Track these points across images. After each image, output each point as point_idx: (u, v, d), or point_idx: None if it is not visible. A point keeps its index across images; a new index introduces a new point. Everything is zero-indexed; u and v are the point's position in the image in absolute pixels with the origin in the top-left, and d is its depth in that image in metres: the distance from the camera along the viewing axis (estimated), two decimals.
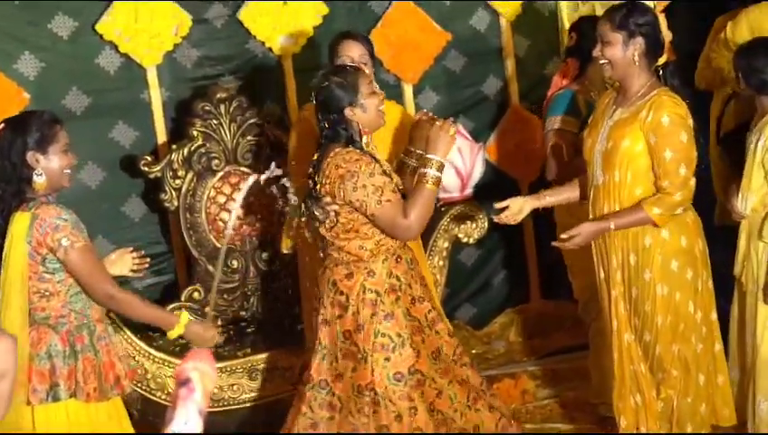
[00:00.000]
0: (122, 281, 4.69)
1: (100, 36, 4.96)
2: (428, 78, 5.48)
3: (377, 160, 3.61)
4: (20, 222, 3.34)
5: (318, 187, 3.57)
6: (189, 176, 4.93)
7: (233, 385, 4.59)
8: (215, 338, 3.57)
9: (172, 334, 3.47)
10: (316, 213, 3.59)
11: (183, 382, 2.01)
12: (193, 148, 4.92)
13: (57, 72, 4.92)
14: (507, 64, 5.64)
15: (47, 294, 3.38)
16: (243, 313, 5.04)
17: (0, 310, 3.34)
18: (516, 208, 3.91)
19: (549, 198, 4.02)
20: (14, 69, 4.83)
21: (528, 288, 5.77)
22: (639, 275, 3.80)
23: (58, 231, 3.32)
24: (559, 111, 4.51)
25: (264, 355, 4.68)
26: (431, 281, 4.34)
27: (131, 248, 3.87)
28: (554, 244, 3.88)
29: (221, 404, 4.56)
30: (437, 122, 3.63)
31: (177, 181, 4.91)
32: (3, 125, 3.43)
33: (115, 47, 4.99)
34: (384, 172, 3.58)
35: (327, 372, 3.63)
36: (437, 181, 3.57)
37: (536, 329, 5.63)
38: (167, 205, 4.94)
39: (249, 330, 4.98)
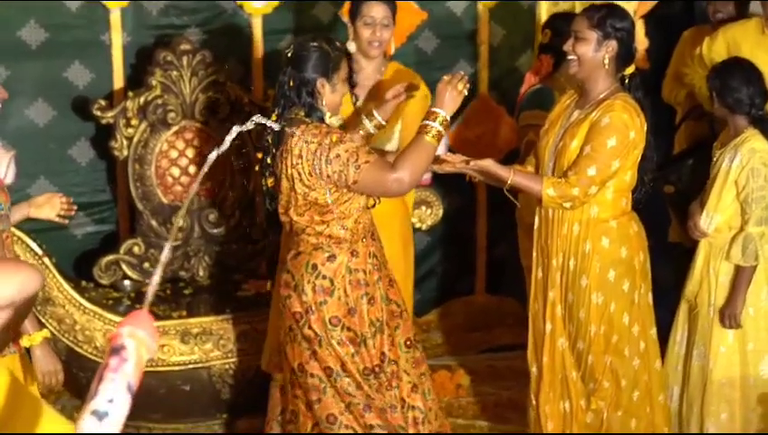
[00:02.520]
0: (59, 226, 4.56)
1: None
2: (399, 55, 5.31)
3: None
4: None
5: (285, 166, 3.39)
6: (143, 126, 4.77)
7: (163, 346, 4.45)
8: (57, 374, 3.32)
9: (22, 341, 3.28)
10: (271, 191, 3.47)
11: (115, 350, 1.70)
12: (150, 98, 4.76)
13: (16, 1, 4.72)
14: (480, 51, 5.54)
15: None
16: (182, 273, 4.89)
17: None
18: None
19: (491, 166, 3.70)
20: None
21: (474, 281, 5.70)
22: (577, 280, 3.75)
23: None
24: (535, 107, 4.43)
25: (199, 319, 4.54)
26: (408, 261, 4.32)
27: (61, 194, 3.72)
28: (435, 167, 3.70)
29: (149, 364, 4.39)
30: (446, 76, 3.48)
31: (130, 130, 4.76)
32: None
33: None
34: (353, 138, 3.45)
35: (335, 358, 3.47)
36: (439, 136, 3.40)
37: (478, 323, 5.56)
38: (116, 153, 4.79)
39: (186, 292, 4.83)
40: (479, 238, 5.68)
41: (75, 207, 3.77)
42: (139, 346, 1.70)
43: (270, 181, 3.49)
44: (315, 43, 3.47)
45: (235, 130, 2.21)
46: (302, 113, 3.44)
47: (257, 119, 2.57)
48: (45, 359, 3.30)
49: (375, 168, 3.34)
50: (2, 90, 3.32)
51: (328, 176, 3.34)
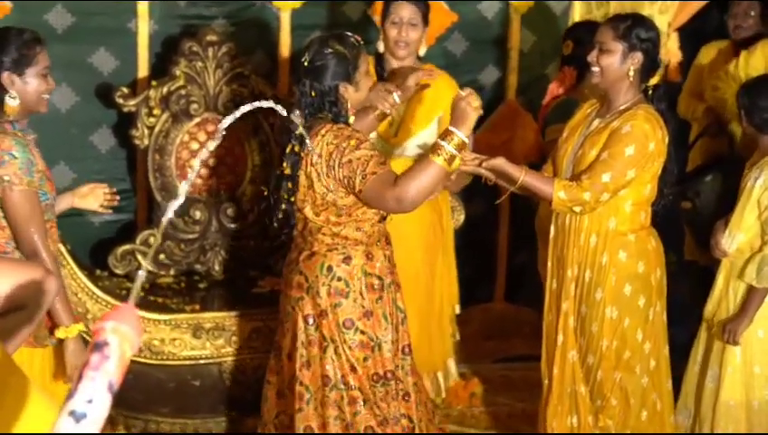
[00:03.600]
0: (77, 213, 4.53)
1: None
2: (427, 57, 5.28)
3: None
4: None
5: (305, 163, 3.33)
6: (165, 116, 4.73)
7: (175, 340, 4.41)
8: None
9: (58, 333, 3.25)
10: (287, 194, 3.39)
11: (97, 347, 1.63)
12: (173, 88, 4.71)
13: None
14: (510, 56, 5.47)
15: None
16: (198, 266, 4.84)
17: None
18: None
19: (503, 164, 3.59)
20: None
21: (493, 288, 5.63)
22: (591, 293, 3.69)
23: (3, 166, 3.13)
24: (561, 120, 4.36)
25: (212, 314, 4.49)
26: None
27: (105, 185, 3.74)
28: (464, 169, 3.57)
29: (159, 358, 4.38)
30: (462, 92, 3.27)
31: (152, 120, 4.72)
32: None
33: None
34: (374, 147, 3.36)
35: (339, 367, 3.41)
36: (451, 159, 3.18)
37: (494, 331, 5.50)
38: (137, 142, 4.75)
39: (201, 286, 4.79)
40: (500, 246, 5.61)
41: (118, 198, 3.81)
42: (122, 342, 1.63)
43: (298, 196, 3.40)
44: (330, 49, 3.37)
45: (243, 109, 2.12)
46: (330, 117, 3.37)
47: (263, 103, 2.43)
48: (77, 353, 3.27)
49: (379, 181, 3.21)
50: (51, 80, 3.32)
51: (339, 180, 3.28)
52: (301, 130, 3.21)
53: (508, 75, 5.50)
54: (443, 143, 3.20)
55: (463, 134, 3.21)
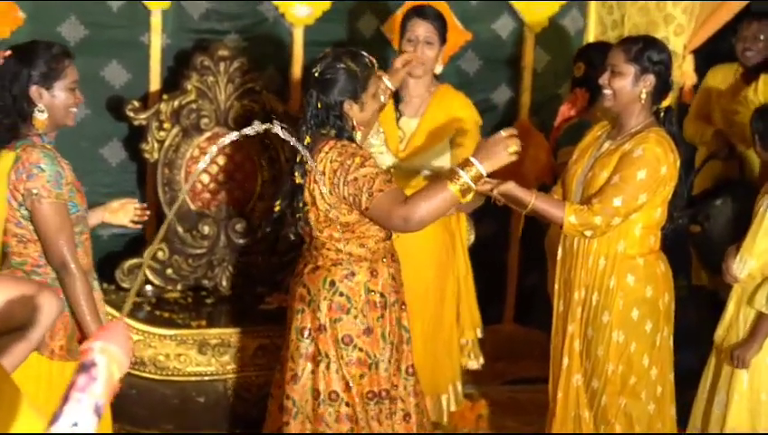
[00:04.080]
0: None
1: None
2: (441, 76, 5.28)
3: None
4: (4, 160, 3.17)
5: (308, 180, 3.31)
6: (175, 130, 4.72)
7: (180, 355, 4.39)
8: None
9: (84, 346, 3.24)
10: (299, 207, 3.36)
11: (84, 367, 1.59)
12: (184, 102, 4.71)
13: None
14: (523, 76, 5.44)
15: (24, 240, 3.20)
16: (205, 281, 4.83)
17: None
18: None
19: (513, 189, 3.53)
20: None
21: (503, 309, 5.59)
22: (598, 316, 3.65)
23: (31, 180, 3.14)
24: (575, 142, 4.33)
25: (218, 330, 4.48)
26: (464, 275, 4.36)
27: (135, 200, 3.75)
28: (481, 187, 3.41)
29: (165, 373, 4.36)
30: (503, 132, 3.19)
31: (162, 133, 4.71)
32: (9, 53, 3.24)
33: None
34: (378, 164, 3.33)
35: (330, 383, 3.38)
36: (466, 190, 3.13)
37: (503, 352, 5.45)
38: (147, 156, 4.74)
39: (208, 301, 4.77)
40: (510, 267, 5.58)
41: (149, 213, 3.80)
42: (110, 363, 1.59)
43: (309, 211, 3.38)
44: (342, 65, 3.35)
45: (247, 130, 2.09)
46: (333, 132, 3.35)
47: (265, 125, 2.38)
48: None
49: (387, 199, 3.19)
50: (78, 94, 3.33)
51: (344, 197, 3.26)
52: (302, 149, 3.18)
53: (521, 95, 5.47)
54: (461, 172, 3.15)
55: (483, 168, 3.14)
